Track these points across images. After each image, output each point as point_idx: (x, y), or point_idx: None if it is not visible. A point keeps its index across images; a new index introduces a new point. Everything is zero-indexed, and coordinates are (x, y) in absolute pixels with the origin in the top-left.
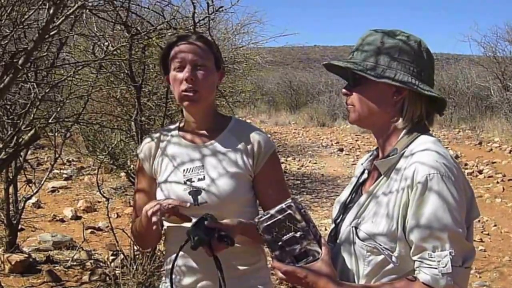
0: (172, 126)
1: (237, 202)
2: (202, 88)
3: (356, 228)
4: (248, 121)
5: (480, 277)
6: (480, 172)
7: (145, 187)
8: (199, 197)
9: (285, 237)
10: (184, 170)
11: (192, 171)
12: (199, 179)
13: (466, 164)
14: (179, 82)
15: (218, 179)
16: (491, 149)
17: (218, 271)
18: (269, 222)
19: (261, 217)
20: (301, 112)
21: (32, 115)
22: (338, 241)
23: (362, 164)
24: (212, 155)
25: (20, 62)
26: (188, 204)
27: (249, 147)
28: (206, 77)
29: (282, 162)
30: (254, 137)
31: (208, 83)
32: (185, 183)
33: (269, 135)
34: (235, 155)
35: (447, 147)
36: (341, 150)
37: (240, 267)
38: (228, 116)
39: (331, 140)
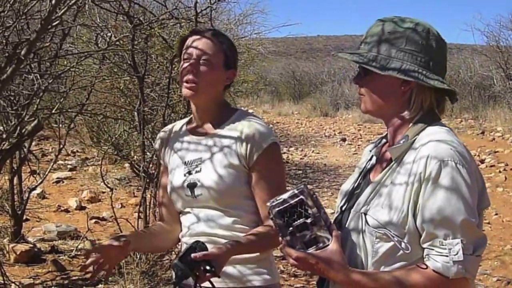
0: (183, 121)
1: (232, 194)
2: (201, 81)
3: (365, 214)
4: (251, 111)
5: (481, 265)
6: (482, 161)
7: (166, 181)
8: (195, 189)
9: (296, 222)
10: (185, 162)
11: (192, 163)
12: (196, 172)
13: None
14: (182, 73)
15: (213, 172)
16: (494, 139)
17: None
18: (281, 207)
19: (273, 202)
20: (304, 102)
21: (36, 106)
22: (346, 227)
23: (370, 151)
24: (210, 147)
25: (22, 53)
26: (116, 243)
27: (244, 138)
28: (208, 72)
29: (285, 152)
30: (251, 129)
31: (208, 78)
32: (185, 175)
33: (270, 126)
34: (232, 147)
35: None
36: (344, 140)
37: (245, 256)
38: (234, 109)
39: (333, 130)
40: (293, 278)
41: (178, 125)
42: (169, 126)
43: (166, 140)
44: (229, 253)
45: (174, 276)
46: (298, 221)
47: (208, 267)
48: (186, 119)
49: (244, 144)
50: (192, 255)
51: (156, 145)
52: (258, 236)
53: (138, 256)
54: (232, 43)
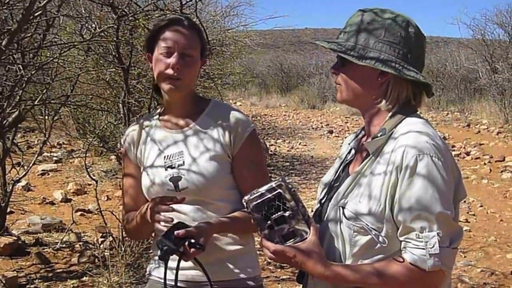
0: (153, 113)
1: (218, 185)
2: (185, 77)
3: (343, 207)
4: (239, 103)
5: (465, 256)
6: (468, 153)
7: (132, 173)
8: (179, 182)
9: (274, 216)
10: (165, 156)
11: (172, 157)
12: (178, 165)
13: (454, 146)
14: (164, 66)
15: (196, 164)
16: (479, 131)
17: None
18: (258, 201)
19: (250, 196)
20: (292, 95)
21: (19, 97)
22: (324, 220)
23: (348, 144)
24: (190, 139)
25: (3, 43)
26: (173, 199)
27: (226, 128)
28: (191, 67)
29: (272, 144)
30: (231, 117)
31: (191, 73)
32: (166, 169)
33: (247, 115)
34: (213, 138)
35: (435, 129)
36: (331, 132)
37: (229, 249)
38: (207, 99)
39: (321, 122)
40: (279, 270)
41: (147, 121)
42: (137, 124)
43: (138, 138)
44: (211, 229)
45: (159, 252)
46: (276, 214)
47: (193, 243)
48: (153, 115)
49: (227, 133)
50: (175, 232)
51: (125, 143)
52: (240, 216)
53: (123, 249)
54: (203, 30)
